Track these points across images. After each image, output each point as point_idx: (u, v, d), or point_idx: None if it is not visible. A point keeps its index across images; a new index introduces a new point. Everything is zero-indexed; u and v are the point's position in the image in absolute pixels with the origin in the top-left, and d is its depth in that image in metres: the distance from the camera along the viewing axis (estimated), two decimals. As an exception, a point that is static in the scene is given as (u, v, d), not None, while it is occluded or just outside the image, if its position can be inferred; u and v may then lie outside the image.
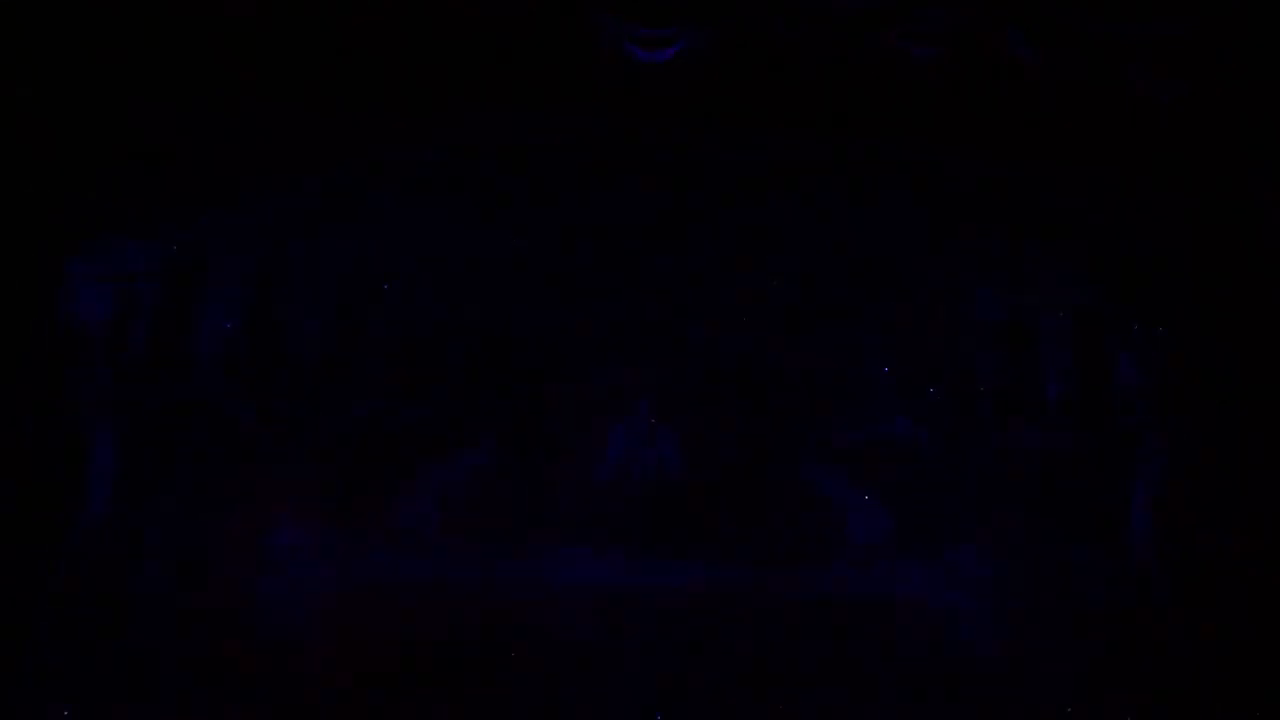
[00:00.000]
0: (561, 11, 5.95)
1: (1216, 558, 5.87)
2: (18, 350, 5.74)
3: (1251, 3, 5.90)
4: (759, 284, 6.07)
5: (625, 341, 5.99)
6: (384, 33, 5.87)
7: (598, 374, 5.96)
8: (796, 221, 6.12)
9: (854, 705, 5.68)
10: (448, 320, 5.95)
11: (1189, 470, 5.98)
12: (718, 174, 6.14)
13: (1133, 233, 6.15)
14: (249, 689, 5.53)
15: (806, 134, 6.16)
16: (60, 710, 5.45)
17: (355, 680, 5.59)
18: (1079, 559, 5.91)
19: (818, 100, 6.07)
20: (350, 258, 5.96)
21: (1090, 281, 6.13)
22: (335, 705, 5.55)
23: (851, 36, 6.03)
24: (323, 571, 5.71)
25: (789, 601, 5.82)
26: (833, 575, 5.87)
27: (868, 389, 6.03)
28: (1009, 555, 5.90)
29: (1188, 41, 5.97)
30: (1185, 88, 5.99)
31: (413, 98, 5.98)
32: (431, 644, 5.66)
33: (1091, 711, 5.72)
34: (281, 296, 5.91)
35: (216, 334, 5.85)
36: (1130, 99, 6.03)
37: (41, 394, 5.73)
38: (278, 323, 5.90)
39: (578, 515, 5.86)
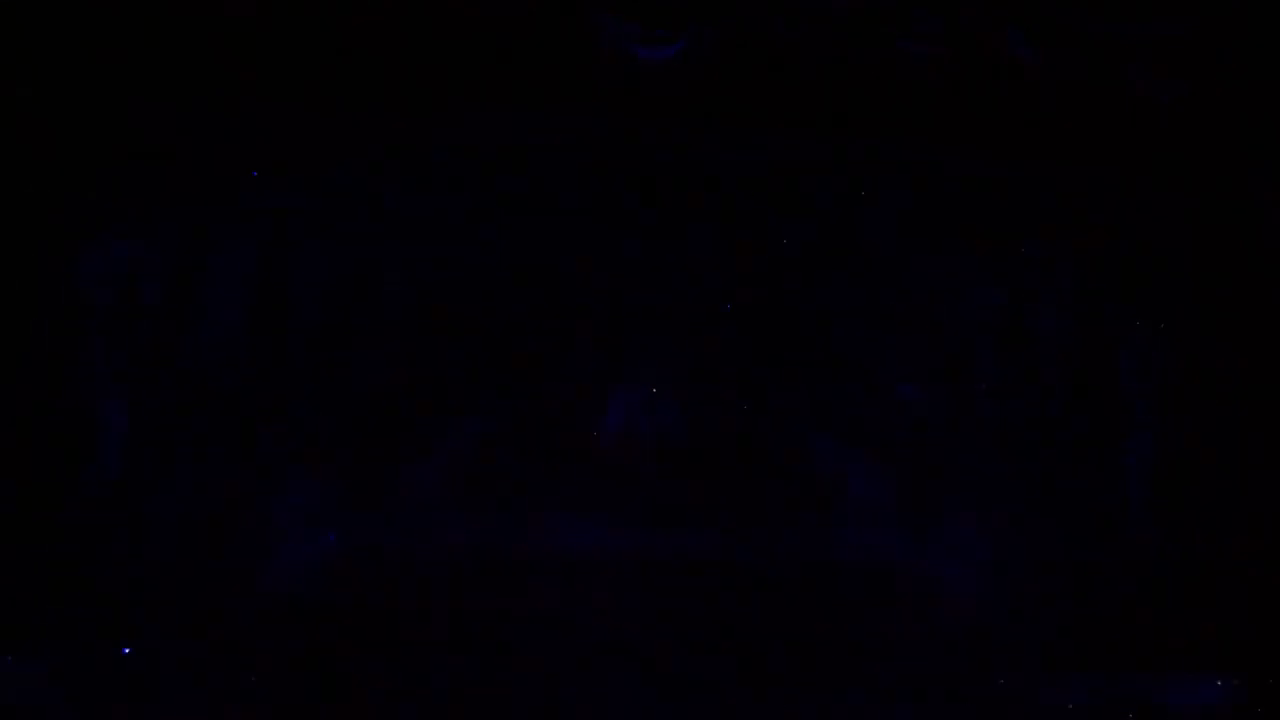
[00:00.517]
0: (561, 11, 5.95)
1: (1215, 552, 5.89)
2: (20, 349, 5.75)
3: (1251, 3, 5.90)
4: (759, 275, 6.06)
5: (626, 319, 5.98)
6: (384, 33, 5.87)
7: (599, 347, 5.95)
8: (796, 218, 6.12)
9: (855, 672, 5.72)
10: (450, 304, 5.94)
11: (1188, 468, 5.99)
12: (718, 174, 6.13)
13: (1133, 233, 6.15)
14: (253, 655, 5.59)
15: (806, 134, 6.15)
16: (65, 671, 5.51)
17: (360, 644, 5.65)
18: (1078, 537, 5.94)
19: (818, 100, 6.07)
20: (352, 250, 5.96)
21: (1090, 281, 6.13)
22: (341, 669, 5.60)
23: (851, 36, 6.03)
24: (329, 540, 5.76)
25: (791, 569, 5.86)
26: (835, 543, 5.90)
27: (870, 368, 6.03)
28: (1010, 533, 5.94)
29: (1188, 41, 5.98)
30: (1185, 88, 5.99)
31: (413, 98, 5.97)
32: (435, 609, 5.72)
33: (1090, 688, 5.75)
34: (285, 282, 5.91)
35: (220, 317, 5.86)
36: (1130, 99, 6.03)
37: (46, 385, 5.76)
38: (282, 306, 5.90)
39: (580, 484, 5.88)
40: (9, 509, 5.63)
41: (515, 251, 6.02)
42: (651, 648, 5.74)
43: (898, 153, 6.17)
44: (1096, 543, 5.95)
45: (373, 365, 5.89)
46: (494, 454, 5.88)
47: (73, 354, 5.79)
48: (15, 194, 5.76)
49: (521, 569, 5.81)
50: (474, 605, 5.76)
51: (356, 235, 5.96)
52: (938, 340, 6.07)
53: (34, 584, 5.60)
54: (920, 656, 5.79)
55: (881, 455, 5.99)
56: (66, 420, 5.75)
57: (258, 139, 5.95)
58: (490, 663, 5.69)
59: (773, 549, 5.88)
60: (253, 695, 5.57)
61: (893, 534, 5.93)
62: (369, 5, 5.85)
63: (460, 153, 6.05)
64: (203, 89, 5.86)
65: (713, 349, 6.01)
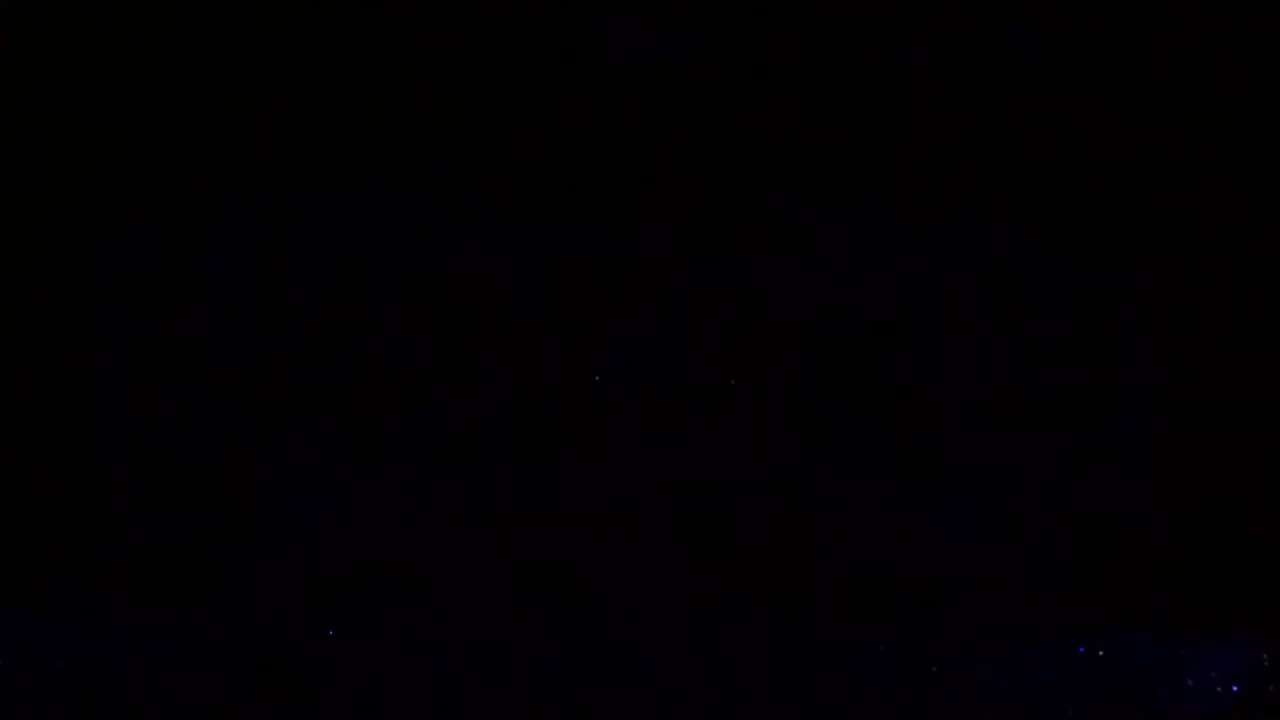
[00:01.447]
0: (561, 11, 5.98)
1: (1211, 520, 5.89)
2: (23, 337, 5.86)
3: (1250, 2, 5.88)
4: (758, 258, 6.11)
5: (626, 285, 6.04)
6: (383, 32, 5.93)
7: (596, 315, 6.04)
8: (796, 212, 6.12)
9: (851, 628, 5.74)
10: (450, 277, 6.06)
11: (1186, 466, 5.99)
12: (718, 175, 6.13)
13: (1132, 232, 6.13)
14: (250, 613, 5.73)
15: (807, 135, 6.14)
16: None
17: (356, 603, 5.79)
18: (1071, 493, 5.97)
19: (817, 99, 6.07)
20: (351, 233, 6.08)
21: (1090, 280, 6.11)
22: (336, 627, 5.70)
23: (852, 37, 6.04)
24: (327, 499, 5.91)
25: (788, 526, 5.94)
26: (831, 502, 5.97)
27: (871, 331, 6.06)
28: (1006, 492, 5.98)
29: (1187, 41, 5.96)
30: (1184, 87, 5.97)
31: (412, 97, 6.02)
32: (431, 567, 5.86)
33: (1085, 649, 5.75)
34: (288, 253, 6.01)
35: (223, 295, 5.98)
36: (1129, 98, 6.01)
37: (47, 381, 5.91)
38: (284, 273, 5.99)
39: (578, 444, 5.99)
40: (10, 491, 5.77)
41: (515, 250, 6.08)
42: (651, 604, 5.80)
43: (898, 152, 6.16)
44: (1094, 517, 5.96)
45: (377, 319, 5.98)
46: (494, 416, 5.96)
47: (78, 341, 5.92)
48: (13, 194, 5.87)
49: (521, 527, 5.90)
50: (476, 564, 5.86)
51: (354, 221, 6.04)
52: (936, 309, 6.08)
53: (35, 560, 5.74)
54: (916, 617, 5.80)
55: (877, 419, 6.02)
56: (68, 408, 5.89)
57: (257, 138, 6.02)
58: (493, 622, 5.74)
59: (768, 506, 5.93)
60: (254, 657, 5.62)
61: (888, 496, 5.96)
62: (369, 5, 5.92)
63: (459, 151, 6.09)
64: (202, 89, 5.94)
65: (714, 309, 6.05)
